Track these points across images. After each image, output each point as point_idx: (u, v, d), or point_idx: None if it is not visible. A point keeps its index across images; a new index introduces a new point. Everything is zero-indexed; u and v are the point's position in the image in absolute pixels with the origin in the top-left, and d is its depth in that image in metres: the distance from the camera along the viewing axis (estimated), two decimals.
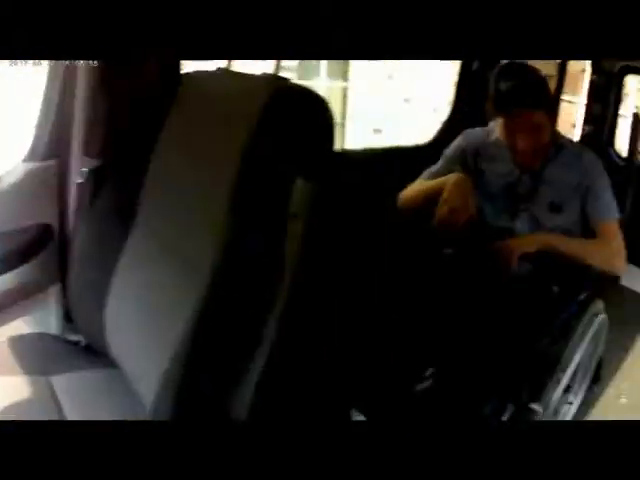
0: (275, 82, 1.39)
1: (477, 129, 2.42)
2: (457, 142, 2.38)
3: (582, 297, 2.28)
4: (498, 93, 2.08)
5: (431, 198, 2.23)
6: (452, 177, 2.14)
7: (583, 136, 3.70)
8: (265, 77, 1.44)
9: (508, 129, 2.14)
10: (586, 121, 3.81)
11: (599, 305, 2.41)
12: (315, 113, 1.34)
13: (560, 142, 2.26)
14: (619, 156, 4.25)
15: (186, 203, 1.48)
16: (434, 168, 2.36)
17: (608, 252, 2.15)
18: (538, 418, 2.10)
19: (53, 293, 1.83)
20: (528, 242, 2.11)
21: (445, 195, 2.08)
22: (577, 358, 2.19)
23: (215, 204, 1.33)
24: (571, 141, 2.34)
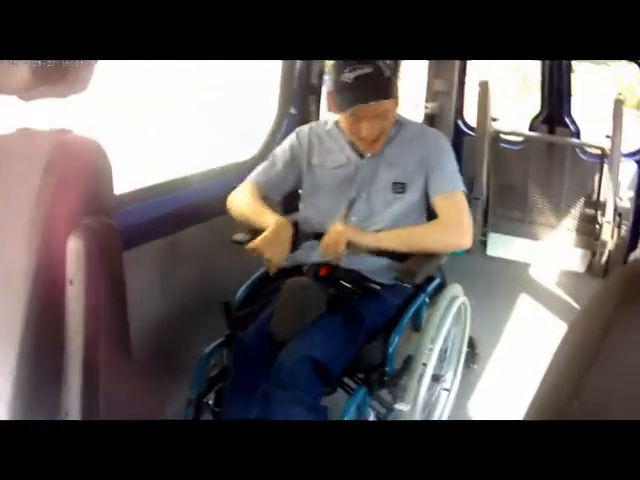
0: (58, 134, 1.40)
1: (310, 124, 2.33)
2: (289, 141, 2.27)
3: (432, 286, 2.23)
4: (342, 87, 1.98)
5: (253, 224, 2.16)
6: (274, 223, 2.03)
7: (426, 114, 3.69)
8: (51, 131, 1.42)
9: (353, 120, 2.04)
10: (429, 98, 3.80)
11: (455, 289, 2.38)
12: (92, 161, 1.36)
13: (400, 121, 2.18)
14: (469, 127, 4.32)
15: None
16: (266, 169, 2.25)
17: (451, 229, 2.07)
18: (409, 415, 2.05)
19: None
20: (357, 235, 2.01)
21: (262, 241, 1.99)
22: (437, 347, 2.14)
23: (13, 277, 1.33)
24: (411, 121, 2.26)
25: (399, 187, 2.11)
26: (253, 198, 2.19)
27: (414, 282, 2.00)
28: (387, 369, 1.94)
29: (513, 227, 4.17)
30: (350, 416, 1.84)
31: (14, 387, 1.32)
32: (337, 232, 1.99)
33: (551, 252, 4.14)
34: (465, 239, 2.07)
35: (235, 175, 2.55)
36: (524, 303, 3.65)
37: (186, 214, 2.35)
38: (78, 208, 1.33)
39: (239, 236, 2.15)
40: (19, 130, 1.54)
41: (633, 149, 4.04)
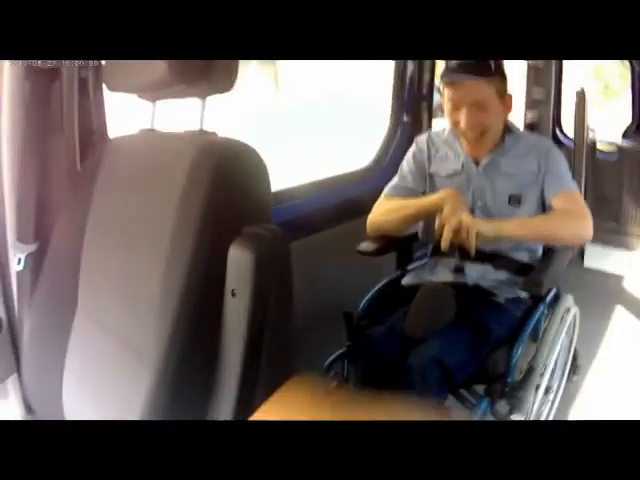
0: (202, 137, 1.35)
1: (428, 132, 2.36)
2: (411, 152, 2.30)
3: (550, 296, 2.25)
4: (446, 70, 2.06)
5: (418, 219, 2.19)
6: (446, 196, 1.99)
7: (527, 123, 3.68)
8: (190, 134, 1.38)
9: (453, 103, 2.06)
10: (528, 107, 3.78)
11: (569, 300, 2.39)
12: (246, 164, 1.29)
13: (516, 133, 2.20)
14: (567, 137, 4.29)
15: (123, 286, 1.42)
16: (398, 184, 2.27)
17: (575, 219, 2.05)
18: None
19: (10, 383, 1.73)
20: (482, 222, 1.96)
21: (445, 217, 1.92)
22: (553, 359, 2.17)
23: (151, 286, 1.27)
24: (526, 133, 2.28)
25: (515, 199, 2.12)
26: (398, 201, 2.20)
27: (540, 292, 2.02)
28: (509, 379, 1.96)
29: (608, 238, 4.14)
30: None
31: (160, 398, 1.24)
32: (460, 220, 1.93)
33: None
34: (589, 229, 2.05)
35: (352, 183, 2.59)
36: (620, 315, 3.62)
37: (303, 223, 2.40)
38: (236, 215, 1.25)
39: (364, 246, 2.17)
40: (143, 131, 1.51)
41: None
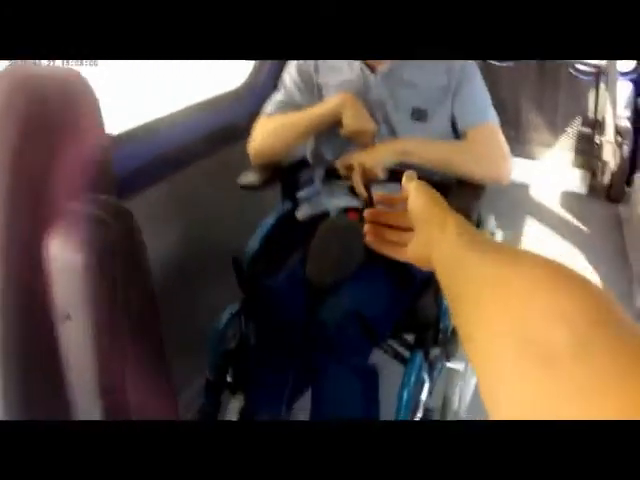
0: (17, 68, 0.93)
1: None
2: (294, 64, 1.90)
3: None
4: None
5: (312, 134, 1.82)
6: (342, 101, 1.70)
7: None
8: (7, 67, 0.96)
9: None
10: None
11: (491, 223, 2.13)
12: (74, 100, 0.88)
13: None
14: None
15: None
16: (281, 99, 1.87)
17: (490, 157, 1.76)
18: (461, 376, 1.88)
19: None
20: (382, 152, 1.70)
21: (347, 125, 1.68)
22: None
23: None
24: None
25: (420, 114, 1.76)
26: (284, 117, 1.82)
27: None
28: (441, 325, 1.68)
29: (509, 147, 3.96)
30: (410, 387, 1.60)
31: None
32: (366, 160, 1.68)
33: (550, 172, 3.99)
34: (508, 172, 1.77)
35: (225, 106, 2.18)
36: (528, 225, 3.55)
37: (171, 157, 1.92)
38: (66, 183, 0.82)
39: (246, 178, 1.78)
40: None
41: (628, 68, 3.95)
